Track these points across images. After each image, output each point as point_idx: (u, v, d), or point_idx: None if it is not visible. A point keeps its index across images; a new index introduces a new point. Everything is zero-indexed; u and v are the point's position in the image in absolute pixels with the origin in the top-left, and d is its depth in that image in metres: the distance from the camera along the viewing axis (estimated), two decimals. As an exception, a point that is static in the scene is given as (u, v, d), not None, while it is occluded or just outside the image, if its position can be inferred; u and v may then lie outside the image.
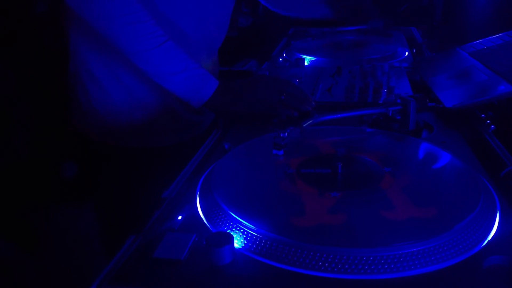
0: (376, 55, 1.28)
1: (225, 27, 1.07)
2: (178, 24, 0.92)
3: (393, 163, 0.69)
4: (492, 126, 0.83)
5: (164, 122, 0.98)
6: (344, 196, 0.60)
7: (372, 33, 1.61)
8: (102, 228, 0.97)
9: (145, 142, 0.98)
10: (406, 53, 1.33)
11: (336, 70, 1.16)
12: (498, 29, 1.13)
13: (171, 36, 0.85)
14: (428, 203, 0.58)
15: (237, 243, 0.53)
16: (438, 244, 0.51)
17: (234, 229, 0.55)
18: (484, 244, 0.53)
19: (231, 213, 0.57)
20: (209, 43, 1.03)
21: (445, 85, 0.98)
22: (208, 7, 0.97)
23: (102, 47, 0.90)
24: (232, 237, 0.51)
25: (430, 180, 0.67)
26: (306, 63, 1.29)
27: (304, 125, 0.76)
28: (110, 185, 0.95)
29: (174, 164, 0.73)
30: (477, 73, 0.96)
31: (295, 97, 0.89)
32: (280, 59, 1.36)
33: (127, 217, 0.65)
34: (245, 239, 0.54)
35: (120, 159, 0.97)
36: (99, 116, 0.96)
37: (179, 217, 0.59)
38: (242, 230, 0.55)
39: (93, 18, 0.82)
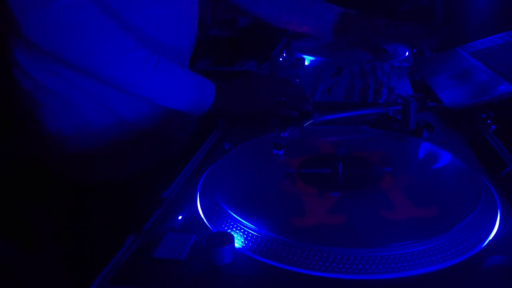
0: (376, 55, 1.28)
1: (194, 37, 1.00)
2: (152, 38, 0.86)
3: (393, 163, 0.68)
4: (493, 126, 0.83)
5: (124, 151, 0.90)
6: (344, 196, 0.60)
7: None
8: (102, 228, 0.97)
9: (116, 172, 0.91)
10: (407, 53, 1.33)
11: (336, 70, 1.16)
12: (498, 29, 1.13)
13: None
14: (428, 203, 0.58)
15: (237, 243, 0.53)
16: (438, 244, 0.51)
17: (234, 229, 0.55)
18: (484, 244, 0.53)
19: (231, 213, 0.57)
20: (183, 55, 0.98)
21: (445, 85, 0.98)
22: (179, 18, 0.92)
23: (52, 76, 0.83)
24: (232, 237, 0.51)
25: (430, 180, 0.67)
26: (306, 63, 1.29)
27: (304, 125, 0.76)
28: (110, 185, 0.95)
29: (174, 166, 0.73)
30: (478, 73, 0.96)
31: (295, 97, 0.89)
32: (280, 59, 1.36)
33: (127, 217, 0.65)
34: (245, 239, 0.54)
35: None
36: (55, 149, 0.88)
37: (179, 217, 0.59)
38: (242, 230, 0.55)
39: (81, 61, 0.76)
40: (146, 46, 0.80)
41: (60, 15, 0.72)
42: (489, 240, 0.53)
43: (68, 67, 0.81)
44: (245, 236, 0.54)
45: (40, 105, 0.86)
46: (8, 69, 0.87)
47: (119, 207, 0.91)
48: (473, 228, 0.54)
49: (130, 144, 0.90)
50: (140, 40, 0.80)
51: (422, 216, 0.56)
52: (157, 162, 0.94)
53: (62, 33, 0.73)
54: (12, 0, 0.71)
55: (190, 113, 0.86)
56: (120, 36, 0.77)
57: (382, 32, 1.04)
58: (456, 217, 0.54)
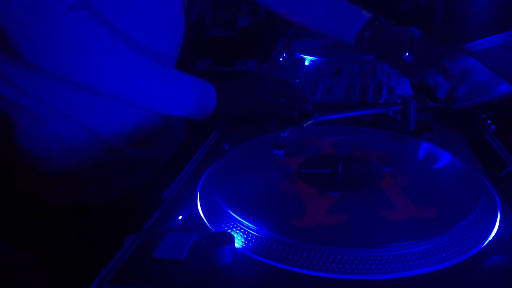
0: (376, 55, 1.28)
1: (180, 42, 0.97)
2: (141, 44, 0.84)
3: (393, 163, 0.68)
4: (493, 126, 0.83)
5: (106, 167, 0.86)
6: (344, 196, 0.60)
7: None
8: (102, 228, 0.97)
9: (95, 194, 0.87)
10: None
11: (336, 70, 1.16)
12: (498, 29, 1.13)
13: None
14: (428, 203, 0.58)
15: (237, 243, 0.53)
16: (438, 244, 0.51)
17: (234, 229, 0.55)
18: (484, 244, 0.53)
19: (231, 213, 0.57)
20: (168, 59, 0.94)
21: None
22: (164, 23, 0.89)
23: (22, 94, 0.79)
24: (232, 237, 0.51)
25: (430, 180, 0.67)
26: (306, 63, 1.29)
27: (304, 125, 0.76)
28: (110, 185, 0.95)
29: (173, 167, 0.73)
30: (478, 73, 0.96)
31: (294, 98, 0.89)
32: (280, 59, 1.36)
33: (127, 217, 0.64)
34: (245, 239, 0.54)
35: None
36: (33, 171, 0.84)
37: (179, 217, 0.59)
38: (242, 230, 0.55)
39: (82, 77, 0.74)
40: (147, 55, 0.79)
41: (63, 35, 0.70)
42: (489, 240, 0.53)
43: (35, 84, 0.79)
44: (245, 236, 0.54)
45: (12, 122, 0.83)
46: None
47: (119, 207, 0.91)
48: (473, 228, 0.54)
49: (107, 164, 0.87)
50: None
51: (422, 216, 0.56)
52: (137, 184, 0.90)
53: (66, 52, 0.71)
54: (9, 22, 0.68)
55: (193, 118, 0.86)
56: (124, 49, 0.76)
57: (407, 47, 0.99)
58: (456, 217, 0.54)
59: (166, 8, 0.90)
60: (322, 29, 1.14)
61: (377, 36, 1.03)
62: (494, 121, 0.84)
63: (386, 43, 1.01)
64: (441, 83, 0.99)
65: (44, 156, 0.83)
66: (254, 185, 0.65)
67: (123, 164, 0.89)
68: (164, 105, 0.82)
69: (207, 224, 0.58)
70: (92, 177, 0.86)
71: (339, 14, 1.09)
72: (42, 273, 0.91)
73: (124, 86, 0.77)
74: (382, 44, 1.02)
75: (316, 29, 1.16)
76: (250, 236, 0.54)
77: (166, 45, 0.92)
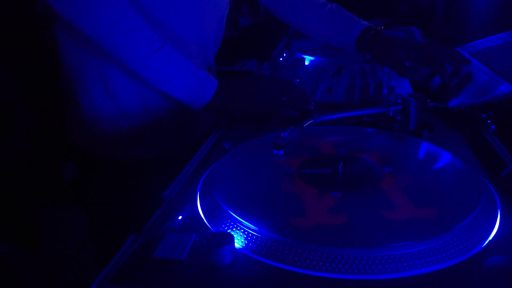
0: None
1: (221, 34, 1.04)
2: (173, 30, 0.90)
3: (393, 163, 0.68)
4: (493, 126, 0.83)
5: (151, 133, 0.94)
6: (344, 196, 0.60)
7: None
8: (102, 228, 0.97)
9: (134, 154, 0.95)
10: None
11: (337, 70, 1.16)
12: (498, 29, 1.13)
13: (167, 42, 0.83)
14: (429, 203, 0.58)
15: (238, 243, 0.53)
16: (438, 245, 0.51)
17: (234, 229, 0.55)
18: (484, 244, 0.53)
19: (231, 213, 0.57)
20: (205, 50, 1.00)
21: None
22: (204, 12, 0.95)
23: (88, 53, 0.88)
24: (232, 237, 0.51)
25: (430, 180, 0.67)
26: (306, 63, 1.29)
27: (304, 125, 0.76)
28: (110, 185, 0.95)
29: (173, 166, 0.73)
30: (478, 73, 0.95)
31: (296, 97, 0.89)
32: (281, 59, 1.36)
33: (127, 217, 0.65)
34: (245, 239, 0.54)
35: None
36: (87, 125, 0.93)
37: (180, 217, 0.59)
38: (242, 230, 0.55)
39: (86, 28, 0.80)
40: (157, 31, 0.83)
41: None
42: (489, 240, 0.53)
43: (101, 53, 0.85)
44: (245, 236, 0.54)
45: (78, 82, 0.91)
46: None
47: (119, 207, 0.91)
48: (473, 228, 0.54)
49: (154, 130, 0.94)
50: (160, 33, 0.83)
51: (422, 216, 0.56)
52: (176, 151, 0.97)
53: (76, 2, 0.78)
54: None
55: (187, 104, 0.86)
56: (130, 14, 0.80)
57: (405, 50, 1.02)
58: (456, 218, 0.54)
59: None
60: (322, 35, 1.16)
61: (376, 40, 1.05)
62: (494, 121, 0.84)
63: (384, 46, 1.03)
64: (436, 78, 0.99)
65: (99, 114, 0.91)
66: (254, 185, 0.65)
67: (163, 132, 0.96)
68: (154, 78, 0.83)
69: (207, 224, 0.58)
70: (138, 137, 0.93)
71: (340, 20, 1.12)
72: (42, 273, 0.91)
73: (117, 46, 0.80)
74: (380, 47, 1.04)
75: (317, 35, 1.18)
76: (250, 236, 0.54)
77: (202, 37, 0.96)
